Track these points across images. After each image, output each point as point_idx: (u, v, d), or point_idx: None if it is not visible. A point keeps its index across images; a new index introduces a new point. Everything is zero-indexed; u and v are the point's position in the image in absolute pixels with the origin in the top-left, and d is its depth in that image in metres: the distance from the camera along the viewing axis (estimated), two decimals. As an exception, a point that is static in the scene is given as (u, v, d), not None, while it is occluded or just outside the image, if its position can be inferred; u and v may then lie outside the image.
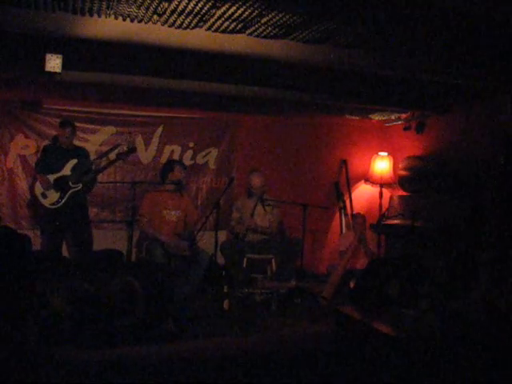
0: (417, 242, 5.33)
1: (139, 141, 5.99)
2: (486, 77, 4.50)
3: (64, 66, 3.83)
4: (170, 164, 5.44)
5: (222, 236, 5.85)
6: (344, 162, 6.85)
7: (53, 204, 5.01)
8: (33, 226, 5.57)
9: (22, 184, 5.59)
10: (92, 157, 5.43)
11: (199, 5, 3.07)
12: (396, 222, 5.78)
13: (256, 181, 5.62)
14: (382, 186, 6.42)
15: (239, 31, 3.48)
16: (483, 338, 2.78)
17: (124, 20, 3.36)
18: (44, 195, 5.01)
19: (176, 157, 6.07)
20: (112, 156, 5.66)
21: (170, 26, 3.43)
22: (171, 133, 6.12)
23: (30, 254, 4.95)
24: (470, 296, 3.44)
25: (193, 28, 3.44)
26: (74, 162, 5.10)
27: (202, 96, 5.23)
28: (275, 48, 3.79)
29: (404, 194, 6.24)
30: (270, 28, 3.38)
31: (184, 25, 3.38)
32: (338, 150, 6.82)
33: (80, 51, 3.96)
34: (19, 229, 5.32)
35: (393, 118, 6.21)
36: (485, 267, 3.88)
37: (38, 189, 5.02)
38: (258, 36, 3.54)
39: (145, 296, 3.95)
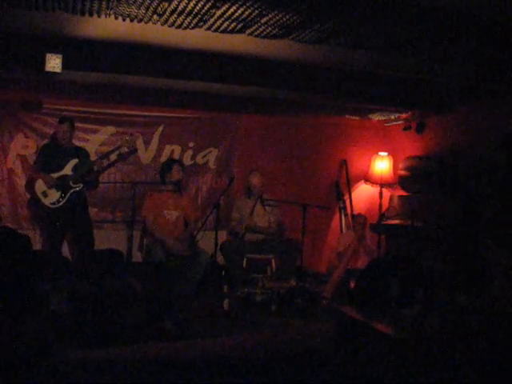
0: (417, 241, 5.32)
1: (139, 141, 5.98)
2: (487, 77, 4.50)
3: (64, 66, 3.83)
4: (169, 164, 5.44)
5: (222, 236, 5.85)
6: (344, 162, 6.84)
7: (53, 203, 4.99)
8: (33, 226, 5.57)
9: (22, 184, 5.57)
10: (92, 157, 5.42)
11: (199, 5, 3.07)
12: (396, 221, 5.78)
13: (255, 180, 5.62)
14: (382, 186, 6.42)
15: (239, 31, 3.48)
16: (485, 340, 2.78)
17: (124, 20, 3.36)
18: (45, 194, 4.98)
19: (176, 157, 6.06)
20: (113, 157, 5.65)
21: (170, 26, 3.43)
22: (171, 133, 6.12)
23: (30, 254, 4.96)
24: (479, 298, 3.44)
25: (193, 28, 3.44)
26: (74, 161, 5.08)
27: (201, 96, 5.23)
28: (275, 48, 3.79)
29: (404, 193, 6.24)
30: (269, 28, 3.38)
31: (184, 25, 3.38)
32: (338, 150, 6.82)
33: (80, 51, 3.96)
34: (19, 229, 5.31)
35: (393, 117, 6.20)
36: (500, 271, 3.87)
37: (39, 188, 4.99)
38: (257, 36, 3.54)
39: (144, 296, 3.96)
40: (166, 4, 3.07)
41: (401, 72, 4.40)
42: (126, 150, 5.63)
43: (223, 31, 3.49)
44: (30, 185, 5.21)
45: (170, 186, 5.32)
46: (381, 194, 6.34)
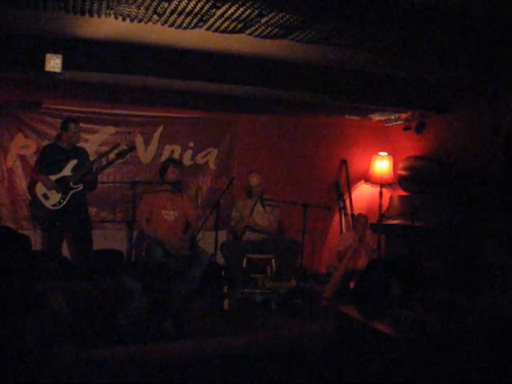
0: (417, 242, 5.32)
1: (139, 141, 5.98)
2: (487, 77, 4.50)
3: (64, 66, 3.83)
4: (165, 164, 5.44)
5: (222, 236, 5.85)
6: (344, 162, 6.85)
7: (54, 205, 4.99)
8: (33, 226, 5.56)
9: (22, 184, 5.58)
10: (92, 157, 5.41)
11: (199, 5, 3.07)
12: (396, 221, 5.79)
13: (254, 181, 5.64)
14: (382, 186, 6.42)
15: (239, 31, 3.48)
16: (485, 340, 2.78)
17: (124, 20, 3.36)
18: (45, 196, 4.99)
19: (176, 157, 6.06)
20: (112, 156, 5.65)
21: (170, 26, 3.43)
22: (171, 133, 6.12)
23: (30, 254, 4.96)
24: (479, 298, 3.43)
25: (193, 28, 3.44)
26: (74, 162, 5.09)
27: (202, 96, 5.23)
28: (275, 48, 3.79)
29: (404, 193, 6.24)
30: (270, 28, 3.38)
31: (184, 25, 3.39)
32: (338, 150, 6.82)
33: (80, 51, 3.96)
34: (19, 229, 5.32)
35: (393, 118, 6.20)
36: (500, 271, 3.88)
37: (40, 190, 5.00)
38: (257, 36, 3.54)
39: (144, 296, 3.95)
40: (166, 4, 3.07)
41: (401, 72, 4.40)
42: (124, 147, 5.64)
43: (223, 31, 3.49)
44: (31, 187, 5.22)
45: (168, 186, 5.32)
46: (381, 194, 6.34)
